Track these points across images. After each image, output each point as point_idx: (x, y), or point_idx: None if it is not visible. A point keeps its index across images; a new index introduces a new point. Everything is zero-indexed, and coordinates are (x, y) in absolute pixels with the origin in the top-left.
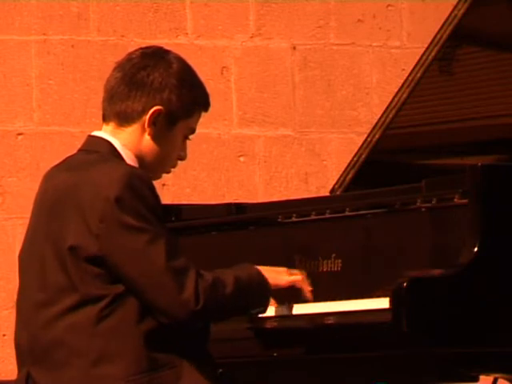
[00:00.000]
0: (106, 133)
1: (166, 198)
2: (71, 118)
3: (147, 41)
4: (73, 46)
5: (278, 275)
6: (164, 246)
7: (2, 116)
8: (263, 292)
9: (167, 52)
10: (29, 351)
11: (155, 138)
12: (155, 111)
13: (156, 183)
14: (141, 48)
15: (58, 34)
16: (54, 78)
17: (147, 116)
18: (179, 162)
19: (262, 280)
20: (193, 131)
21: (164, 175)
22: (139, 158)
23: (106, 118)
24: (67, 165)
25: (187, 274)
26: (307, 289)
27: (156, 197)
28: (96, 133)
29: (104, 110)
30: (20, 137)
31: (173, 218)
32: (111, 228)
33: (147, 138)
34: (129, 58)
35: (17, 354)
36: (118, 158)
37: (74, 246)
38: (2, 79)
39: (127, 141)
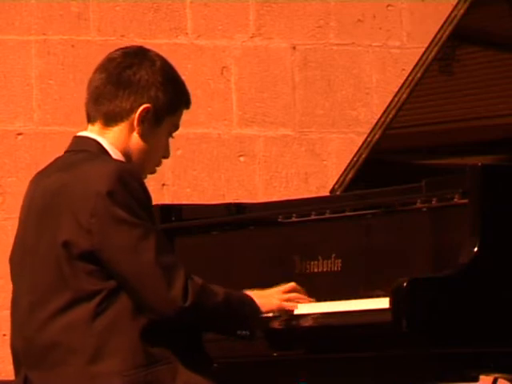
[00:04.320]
0: (93, 133)
1: (166, 198)
2: (71, 118)
3: (147, 41)
4: (73, 45)
5: (269, 300)
6: (154, 242)
7: (2, 116)
8: (253, 317)
9: (148, 50)
10: (24, 355)
11: (143, 135)
12: (144, 109)
13: (156, 183)
14: (120, 48)
15: (58, 34)
16: (54, 78)
17: (136, 114)
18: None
19: (254, 306)
20: (177, 128)
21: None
22: (126, 156)
23: (91, 119)
24: (55, 167)
25: (176, 271)
26: (304, 302)
27: (146, 192)
28: (82, 133)
29: (89, 111)
30: (20, 137)
31: (173, 218)
32: (103, 222)
33: (135, 136)
34: (110, 58)
35: (13, 357)
36: (107, 156)
37: (67, 243)
38: (2, 79)
39: (114, 140)
